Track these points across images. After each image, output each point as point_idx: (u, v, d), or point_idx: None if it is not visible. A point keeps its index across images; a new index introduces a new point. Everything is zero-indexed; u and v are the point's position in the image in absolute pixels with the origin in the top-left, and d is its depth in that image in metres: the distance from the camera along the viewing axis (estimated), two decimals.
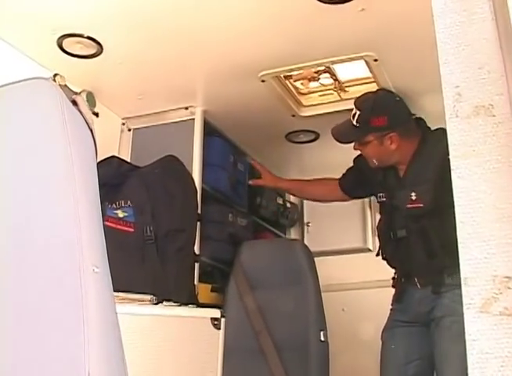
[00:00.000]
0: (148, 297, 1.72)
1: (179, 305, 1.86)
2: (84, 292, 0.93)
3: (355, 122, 2.48)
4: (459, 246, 0.87)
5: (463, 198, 0.88)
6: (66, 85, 1.38)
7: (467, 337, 0.83)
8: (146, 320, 1.69)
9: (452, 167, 0.89)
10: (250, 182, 3.16)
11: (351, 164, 2.79)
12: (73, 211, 0.97)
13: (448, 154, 2.53)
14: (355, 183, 2.78)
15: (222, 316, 1.85)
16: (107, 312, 0.97)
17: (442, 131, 2.65)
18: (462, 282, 0.85)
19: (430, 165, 2.39)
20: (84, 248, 0.95)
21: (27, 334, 0.92)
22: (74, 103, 1.20)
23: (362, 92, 2.64)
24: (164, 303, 1.78)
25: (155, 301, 1.74)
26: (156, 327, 1.71)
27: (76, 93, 1.31)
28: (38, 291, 0.94)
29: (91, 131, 1.16)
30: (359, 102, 2.52)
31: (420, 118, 2.56)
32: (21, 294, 0.95)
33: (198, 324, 1.82)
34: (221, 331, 1.83)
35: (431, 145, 2.44)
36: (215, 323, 1.81)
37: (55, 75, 1.44)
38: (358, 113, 2.46)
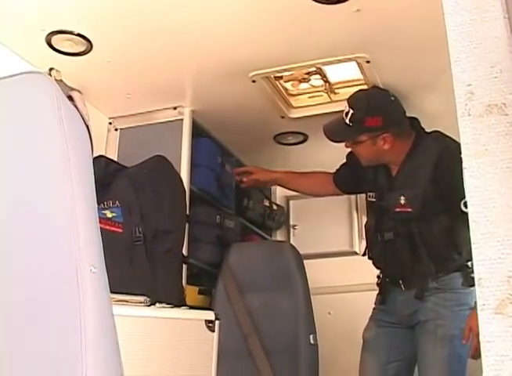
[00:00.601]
0: (141, 298, 1.69)
1: (172, 307, 1.83)
2: (82, 293, 0.91)
3: (347, 121, 2.43)
4: (473, 246, 0.85)
5: (476, 198, 0.86)
6: (61, 80, 1.35)
7: (481, 338, 0.81)
8: (139, 322, 1.66)
9: (464, 166, 0.87)
10: (244, 179, 3.05)
11: (343, 161, 2.76)
12: (70, 209, 0.95)
13: (444, 159, 2.52)
14: (348, 179, 2.75)
15: (217, 318, 1.82)
16: (104, 313, 0.95)
17: (437, 135, 2.67)
18: (476, 283, 0.83)
19: (422, 170, 2.38)
20: (81, 247, 0.93)
21: (24, 334, 0.90)
22: (70, 98, 1.17)
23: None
24: (157, 305, 1.75)
25: (148, 303, 1.71)
26: (149, 329, 1.69)
27: (72, 88, 1.28)
28: (35, 290, 0.91)
29: (88, 127, 1.14)
30: (353, 100, 2.47)
31: (415, 118, 2.54)
32: (17, 294, 0.92)
33: (192, 326, 1.79)
34: (216, 334, 1.80)
35: (424, 148, 2.43)
36: (209, 325, 1.78)
37: (51, 69, 1.41)
38: (351, 112, 2.42)
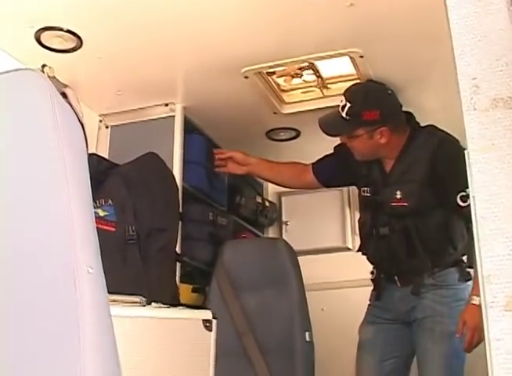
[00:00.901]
0: (137, 298, 1.67)
1: (168, 307, 1.81)
2: (79, 294, 0.89)
3: (344, 115, 2.39)
4: (480, 243, 0.84)
5: (484, 193, 0.85)
6: (55, 77, 1.32)
7: (490, 336, 0.80)
8: (136, 322, 1.64)
9: (470, 161, 0.86)
10: (221, 156, 2.97)
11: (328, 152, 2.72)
12: (66, 208, 0.93)
13: (440, 153, 2.52)
14: (333, 171, 2.70)
15: (214, 317, 1.81)
16: (102, 314, 0.94)
17: (431, 129, 2.67)
18: (484, 280, 0.82)
19: (418, 164, 2.37)
20: (77, 248, 0.92)
21: (20, 336, 0.88)
22: (64, 95, 1.15)
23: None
24: (153, 304, 1.73)
25: (144, 303, 1.69)
26: (146, 329, 1.67)
27: (66, 85, 1.25)
28: (32, 292, 0.90)
29: (82, 125, 1.12)
30: (350, 93, 2.44)
31: (410, 112, 2.52)
32: (14, 295, 0.91)
33: (189, 326, 1.78)
34: (213, 333, 1.79)
35: (420, 142, 2.42)
36: (207, 325, 1.77)
37: (44, 66, 1.39)
38: (348, 105, 2.38)
